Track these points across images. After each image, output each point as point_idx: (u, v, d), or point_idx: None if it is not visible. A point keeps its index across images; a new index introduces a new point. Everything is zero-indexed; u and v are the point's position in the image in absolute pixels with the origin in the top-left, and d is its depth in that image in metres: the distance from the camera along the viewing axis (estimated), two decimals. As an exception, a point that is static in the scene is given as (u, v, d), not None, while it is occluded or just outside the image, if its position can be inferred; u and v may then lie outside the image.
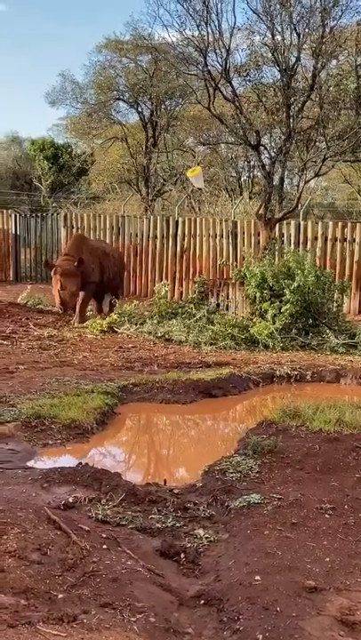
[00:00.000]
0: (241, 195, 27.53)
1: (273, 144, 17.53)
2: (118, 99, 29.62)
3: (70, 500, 5.04)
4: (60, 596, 3.64)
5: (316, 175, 16.67)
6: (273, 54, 14.86)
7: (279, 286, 12.66)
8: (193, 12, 14.52)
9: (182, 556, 4.45)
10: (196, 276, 16.61)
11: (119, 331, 12.99)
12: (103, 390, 8.33)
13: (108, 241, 20.19)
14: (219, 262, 17.86)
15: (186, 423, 8.51)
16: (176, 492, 5.51)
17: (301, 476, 5.74)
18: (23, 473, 5.65)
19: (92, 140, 33.70)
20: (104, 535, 4.47)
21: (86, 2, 62.54)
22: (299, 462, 6.03)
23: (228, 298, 14.12)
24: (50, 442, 6.68)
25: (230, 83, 14.88)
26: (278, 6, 14.48)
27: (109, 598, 3.67)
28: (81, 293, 14.04)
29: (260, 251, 15.71)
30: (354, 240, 16.56)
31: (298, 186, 17.11)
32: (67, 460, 6.12)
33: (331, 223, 17.47)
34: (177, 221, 19.36)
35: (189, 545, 4.58)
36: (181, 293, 17.76)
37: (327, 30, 14.45)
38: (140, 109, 29.13)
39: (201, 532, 4.78)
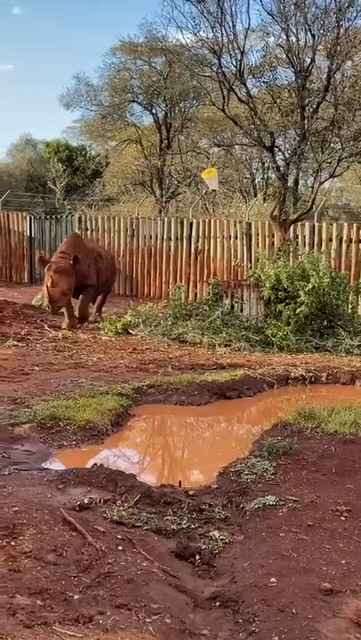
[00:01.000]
0: (255, 196, 27.50)
1: (287, 145, 17.50)
2: (132, 101, 29.69)
3: (85, 501, 5.05)
4: (76, 596, 3.65)
5: (331, 176, 16.63)
6: (287, 55, 14.85)
7: (294, 288, 12.64)
8: (207, 14, 14.53)
9: (197, 557, 4.45)
10: (211, 278, 16.59)
11: (133, 332, 13.01)
12: (118, 392, 8.35)
13: (122, 243, 20.23)
14: (233, 264, 17.84)
15: (200, 425, 8.50)
16: (191, 493, 5.51)
17: (317, 478, 5.72)
18: (39, 474, 5.67)
19: (107, 143, 33.79)
20: (119, 536, 4.48)
21: (100, 4, 62.73)
22: (314, 464, 6.01)
23: (242, 299, 14.09)
24: (65, 443, 6.69)
25: (245, 84, 14.88)
26: (293, 7, 14.48)
27: (125, 599, 3.68)
28: (80, 297, 13.82)
29: (274, 252, 15.69)
30: (369, 241, 16.47)
31: (312, 187, 17.05)
32: (82, 462, 6.13)
33: (346, 224, 17.39)
34: (191, 223, 19.35)
35: (205, 546, 4.58)
36: (196, 295, 17.74)
37: (342, 31, 14.41)
38: (154, 111, 29.20)
39: (216, 533, 4.78)
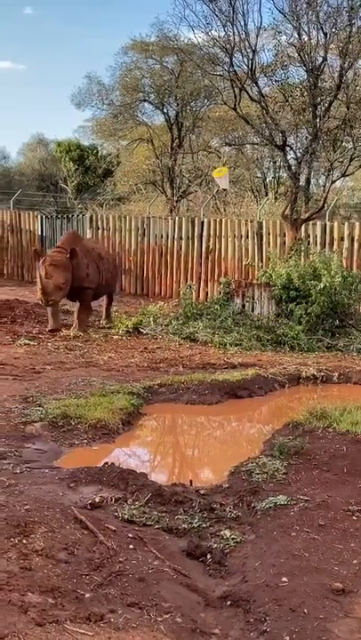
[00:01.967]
0: (266, 195, 27.46)
1: (299, 144, 17.47)
2: (144, 100, 29.69)
3: (97, 499, 5.05)
4: (88, 595, 3.65)
5: (343, 175, 16.57)
6: (299, 54, 14.80)
7: (305, 287, 12.61)
8: (219, 13, 14.52)
9: (208, 556, 4.45)
10: (222, 277, 16.56)
11: (144, 331, 13.01)
12: (129, 391, 8.35)
13: (133, 242, 20.23)
14: (244, 263, 17.80)
15: (211, 424, 8.49)
16: (202, 492, 5.51)
17: (328, 478, 5.70)
18: (50, 472, 5.68)
19: (118, 142, 33.82)
20: (130, 535, 4.48)
21: (112, 4, 62.79)
22: (326, 464, 6.00)
23: (253, 299, 14.06)
24: (76, 442, 6.71)
25: (256, 83, 14.85)
26: (305, 6, 14.43)
27: (136, 598, 3.68)
28: (78, 305, 13.08)
29: (285, 251, 15.65)
30: (381, 240, 16.40)
31: (324, 186, 17.00)
32: (93, 460, 6.13)
33: (357, 224, 17.31)
34: (202, 222, 19.32)
35: (216, 546, 4.57)
36: (207, 294, 17.72)
37: (354, 29, 14.35)
38: (165, 110, 29.18)
39: (227, 532, 4.77)
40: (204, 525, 4.88)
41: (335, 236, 16.82)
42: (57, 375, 9.31)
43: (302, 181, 16.02)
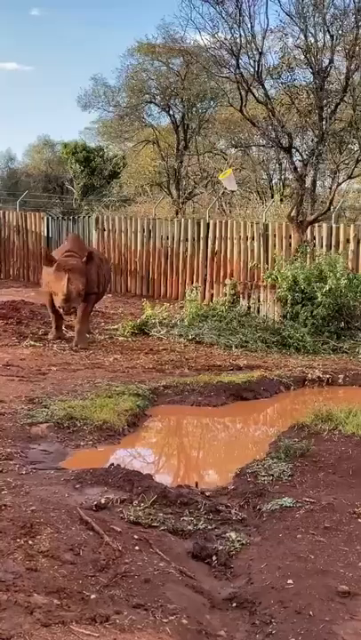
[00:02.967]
0: (272, 197, 27.45)
1: (305, 146, 17.43)
2: (150, 102, 29.71)
3: (102, 501, 5.06)
4: (93, 596, 3.65)
5: (349, 177, 16.54)
6: (306, 56, 14.79)
7: (311, 289, 12.60)
8: (225, 15, 14.48)
9: (214, 558, 4.46)
10: (227, 279, 16.58)
11: (150, 333, 13.01)
12: (134, 392, 8.36)
13: (139, 244, 20.24)
14: (250, 265, 17.78)
15: (217, 426, 8.49)
16: (208, 494, 5.51)
17: (334, 480, 5.70)
18: (56, 474, 5.69)
19: (124, 143, 33.87)
20: (136, 536, 4.49)
21: (118, 6, 62.84)
22: (331, 466, 5.99)
23: (259, 300, 14.07)
24: (82, 443, 6.72)
25: (262, 85, 14.82)
26: (311, 8, 14.41)
27: (142, 599, 3.68)
28: (82, 308, 12.00)
29: (291, 253, 15.63)
30: (387, 243, 16.37)
31: (330, 188, 16.98)
32: (98, 462, 6.14)
33: (363, 226, 17.30)
34: (208, 224, 19.31)
35: (221, 547, 4.57)
36: (212, 296, 17.71)
37: (361, 32, 14.34)
38: (171, 112, 29.18)
39: (233, 534, 4.77)
40: (210, 527, 4.88)
41: (341, 238, 16.79)
42: (62, 376, 9.32)
43: (308, 183, 15.96)
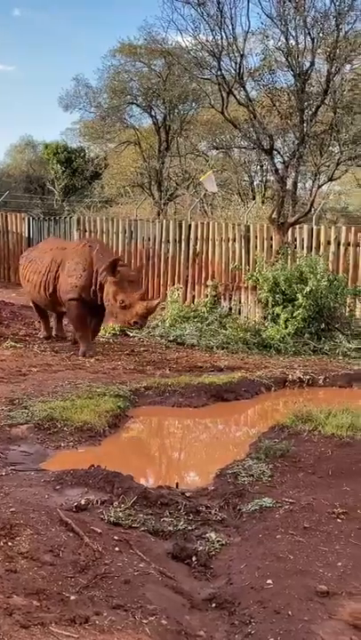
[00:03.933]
0: (253, 199, 27.52)
1: (286, 148, 17.52)
2: (132, 103, 29.70)
3: (82, 502, 5.05)
4: (73, 597, 3.65)
5: (330, 180, 16.63)
6: (287, 58, 14.84)
7: (292, 291, 12.65)
8: (207, 17, 14.51)
9: (194, 559, 4.46)
10: (209, 280, 16.62)
11: (131, 334, 13.01)
12: (115, 393, 8.36)
13: (120, 245, 20.21)
14: (231, 266, 17.82)
15: (197, 427, 8.51)
16: (188, 495, 5.52)
17: (314, 481, 5.73)
18: (36, 475, 5.68)
19: (106, 144, 33.81)
20: (116, 537, 4.49)
21: (100, 6, 62.72)
22: (311, 466, 6.03)
23: (240, 302, 14.12)
24: (62, 444, 6.71)
25: (244, 87, 14.87)
26: (293, 11, 14.47)
27: (121, 600, 3.68)
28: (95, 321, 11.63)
29: (272, 255, 15.69)
30: (367, 244, 16.48)
31: (311, 190, 17.06)
32: (79, 463, 6.12)
33: (344, 228, 17.39)
34: (189, 225, 19.34)
35: (201, 548, 4.59)
36: (194, 297, 17.74)
37: (342, 35, 14.41)
38: (153, 113, 29.20)
39: (213, 535, 4.78)
40: (190, 528, 4.89)
41: (322, 239, 16.89)
42: (43, 377, 9.30)
43: (289, 185, 16.00)
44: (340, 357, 11.62)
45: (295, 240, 16.79)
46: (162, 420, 8.58)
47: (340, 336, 12.40)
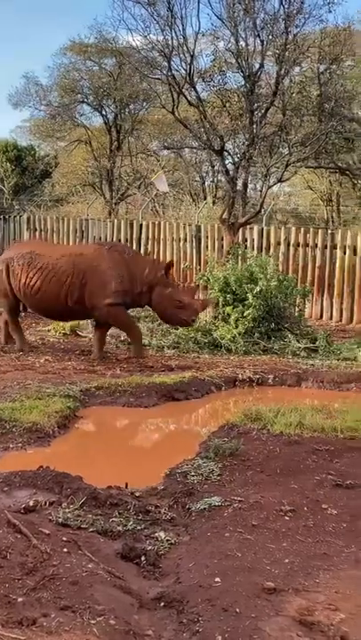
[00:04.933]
0: (205, 199, 27.63)
1: (237, 149, 17.63)
2: (82, 101, 29.49)
3: (31, 503, 5.02)
4: (20, 599, 3.63)
5: (280, 181, 16.80)
6: (237, 60, 14.94)
7: (242, 291, 12.73)
8: (157, 17, 14.53)
9: (143, 558, 4.47)
10: (160, 280, 16.62)
11: (82, 334, 12.95)
12: (65, 394, 8.32)
13: (71, 244, 20.10)
14: (182, 266, 17.89)
15: (148, 426, 8.52)
16: (137, 494, 5.53)
17: (262, 479, 5.79)
18: (-17, 477, 5.61)
19: (56, 143, 33.52)
20: (65, 539, 4.47)
21: (50, 3, 62.19)
22: (259, 465, 6.09)
23: (191, 302, 14.13)
24: (11, 445, 6.66)
25: (194, 87, 14.92)
26: (242, 13, 14.57)
27: (69, 601, 3.67)
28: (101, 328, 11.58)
29: (223, 255, 15.78)
30: (316, 245, 16.71)
31: (261, 191, 17.20)
32: (28, 464, 6.07)
33: (293, 229, 17.61)
34: (141, 225, 19.36)
35: (150, 547, 4.60)
36: (145, 297, 17.73)
37: (290, 37, 14.57)
38: (104, 112, 29.03)
39: (162, 534, 4.80)
40: (139, 527, 4.90)
41: (272, 240, 17.08)
42: (-8, 378, 9.20)
43: (240, 186, 16.11)
44: (290, 357, 11.74)
45: (246, 240, 16.95)
46: (112, 420, 8.56)
47: (290, 335, 12.52)
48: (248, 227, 16.73)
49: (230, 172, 15.67)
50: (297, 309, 13.64)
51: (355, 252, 16.26)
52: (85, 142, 29.89)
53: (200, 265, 17.20)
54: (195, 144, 19.71)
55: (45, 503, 5.07)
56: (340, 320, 16.03)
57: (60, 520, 4.78)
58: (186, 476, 5.83)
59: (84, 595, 3.77)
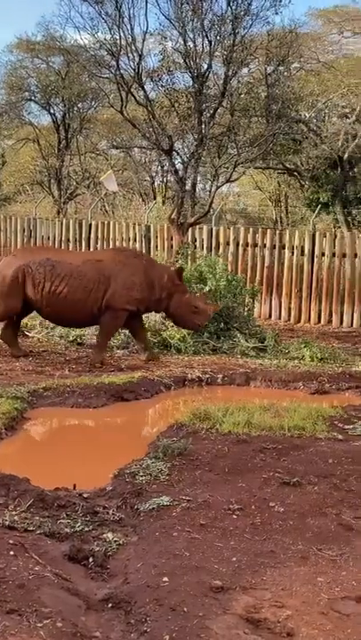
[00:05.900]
0: (154, 199, 27.64)
1: (186, 149, 17.68)
2: (30, 99, 29.22)
3: (-23, 506, 4.95)
4: (-35, 604, 3.57)
5: (228, 181, 16.90)
6: (185, 60, 14.99)
7: (191, 290, 12.75)
8: (105, 16, 14.50)
9: (91, 560, 4.45)
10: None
11: (30, 334, 12.82)
12: (12, 395, 8.22)
13: (19, 244, 19.88)
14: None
15: (97, 427, 8.48)
16: (85, 496, 5.50)
17: (210, 478, 5.81)
18: None
19: (3, 141, 33.15)
20: (11, 541, 4.41)
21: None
22: (208, 464, 6.11)
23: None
24: None
25: (143, 87, 14.92)
26: (190, 13, 14.61)
27: (15, 605, 3.63)
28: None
29: (172, 255, 15.80)
30: (264, 245, 16.87)
31: (210, 191, 17.30)
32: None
33: (242, 229, 17.75)
34: (90, 225, 19.27)
35: (98, 549, 4.57)
36: (94, 297, 17.63)
37: (238, 39, 14.67)
38: (52, 111, 28.82)
39: (110, 535, 4.78)
40: (87, 529, 4.87)
41: (221, 240, 17.18)
42: None
43: (189, 186, 16.17)
44: (239, 356, 11.82)
45: (195, 240, 17.01)
46: (60, 421, 8.50)
47: (239, 335, 12.59)
48: (197, 227, 16.80)
49: (179, 172, 15.70)
50: (246, 309, 13.72)
51: (303, 252, 16.48)
52: (33, 141, 29.64)
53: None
54: (144, 144, 19.71)
55: (-8, 506, 5.01)
56: (289, 320, 16.22)
57: (7, 523, 4.73)
58: (134, 477, 5.81)
59: (30, 598, 3.73)
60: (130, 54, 14.62)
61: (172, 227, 16.03)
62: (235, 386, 10.13)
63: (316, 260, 16.40)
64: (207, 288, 12.51)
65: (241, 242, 17.06)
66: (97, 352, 11.08)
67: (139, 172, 30.83)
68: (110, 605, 3.92)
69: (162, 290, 11.17)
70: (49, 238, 19.69)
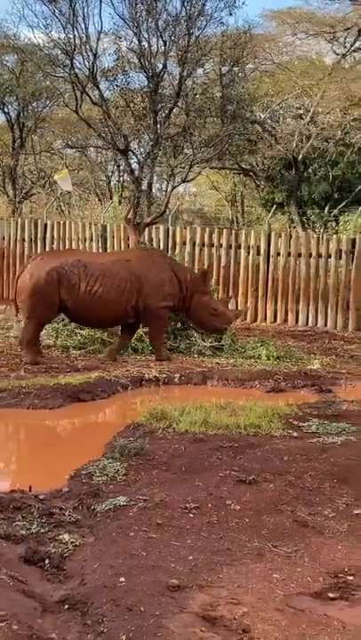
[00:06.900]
0: (111, 199, 27.56)
1: (142, 149, 17.63)
2: (-18, 98, 28.89)
3: None
4: None
5: (184, 181, 16.91)
6: (140, 60, 14.93)
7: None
8: (59, 15, 14.35)
9: (47, 561, 4.42)
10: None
11: (-15, 336, 12.70)
12: (-33, 397, 8.13)
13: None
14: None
15: (53, 428, 8.43)
16: (41, 497, 5.47)
17: (167, 477, 5.82)
18: None
19: None
20: (-34, 545, 4.37)
21: None
22: (165, 463, 6.12)
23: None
24: None
25: (98, 87, 14.83)
26: (144, 13, 14.58)
27: (-30, 609, 3.59)
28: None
29: (129, 255, 15.75)
30: (221, 245, 16.96)
31: (166, 191, 17.31)
32: None
33: (199, 228, 17.81)
34: (45, 224, 19.13)
35: (54, 550, 4.55)
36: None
37: (192, 39, 14.68)
38: (6, 110, 28.54)
39: (66, 536, 4.76)
40: (43, 530, 4.84)
41: (178, 240, 17.22)
42: None
43: (145, 186, 16.13)
44: (196, 355, 11.86)
45: (152, 240, 17.00)
46: (16, 422, 8.44)
47: (196, 335, 12.63)
48: (154, 227, 16.78)
49: (135, 172, 15.66)
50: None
51: (258, 251, 16.60)
52: (-14, 140, 29.31)
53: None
54: (99, 143, 19.59)
55: None
56: (245, 319, 16.30)
57: None
58: (91, 477, 5.80)
59: (-15, 601, 3.69)
60: (84, 53, 14.51)
61: (128, 226, 15.98)
62: (192, 385, 10.18)
63: (271, 259, 16.54)
64: (164, 288, 12.52)
65: (197, 242, 17.12)
66: (158, 351, 11.48)
67: (95, 171, 30.72)
68: (67, 607, 3.91)
69: (186, 288, 11.69)
70: (4, 238, 19.49)
